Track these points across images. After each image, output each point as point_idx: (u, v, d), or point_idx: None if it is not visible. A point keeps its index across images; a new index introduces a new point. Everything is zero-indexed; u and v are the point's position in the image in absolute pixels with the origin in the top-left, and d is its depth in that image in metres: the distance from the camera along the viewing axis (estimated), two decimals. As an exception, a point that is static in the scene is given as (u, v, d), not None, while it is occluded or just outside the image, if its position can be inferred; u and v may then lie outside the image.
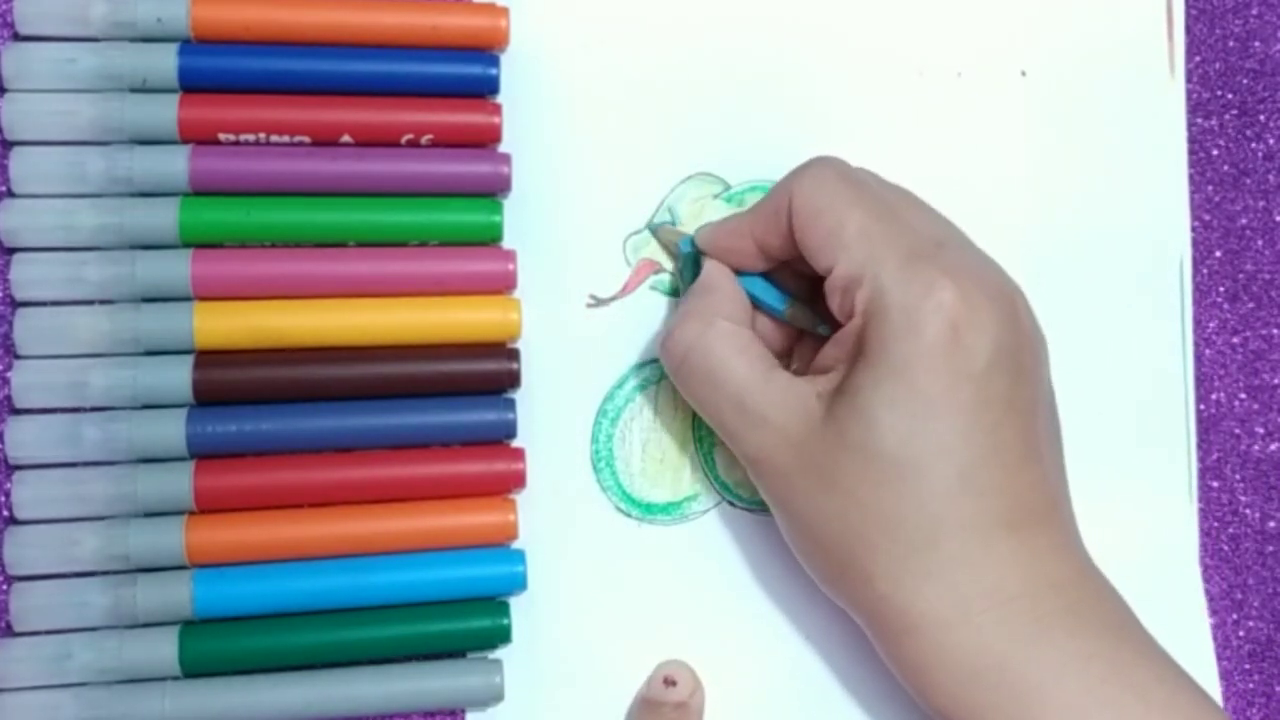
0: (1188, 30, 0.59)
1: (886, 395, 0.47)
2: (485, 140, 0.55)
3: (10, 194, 0.53)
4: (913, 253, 0.48)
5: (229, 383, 0.53)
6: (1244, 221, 0.58)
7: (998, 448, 0.47)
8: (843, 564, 0.48)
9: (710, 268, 0.53)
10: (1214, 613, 0.56)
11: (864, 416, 0.47)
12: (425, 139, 0.55)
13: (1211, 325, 0.57)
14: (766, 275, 0.53)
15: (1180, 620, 0.55)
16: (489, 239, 0.55)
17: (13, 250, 0.53)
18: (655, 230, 0.56)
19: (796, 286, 0.53)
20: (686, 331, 0.51)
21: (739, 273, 0.53)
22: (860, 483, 0.47)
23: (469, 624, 0.53)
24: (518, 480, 0.54)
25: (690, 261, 0.54)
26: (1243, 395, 0.57)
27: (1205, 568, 0.56)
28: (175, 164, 0.53)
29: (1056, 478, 0.50)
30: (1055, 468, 0.50)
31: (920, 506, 0.47)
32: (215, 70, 0.54)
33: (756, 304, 0.53)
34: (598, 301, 0.56)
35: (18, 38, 0.54)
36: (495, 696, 0.52)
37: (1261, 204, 0.59)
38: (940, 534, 0.47)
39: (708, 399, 0.51)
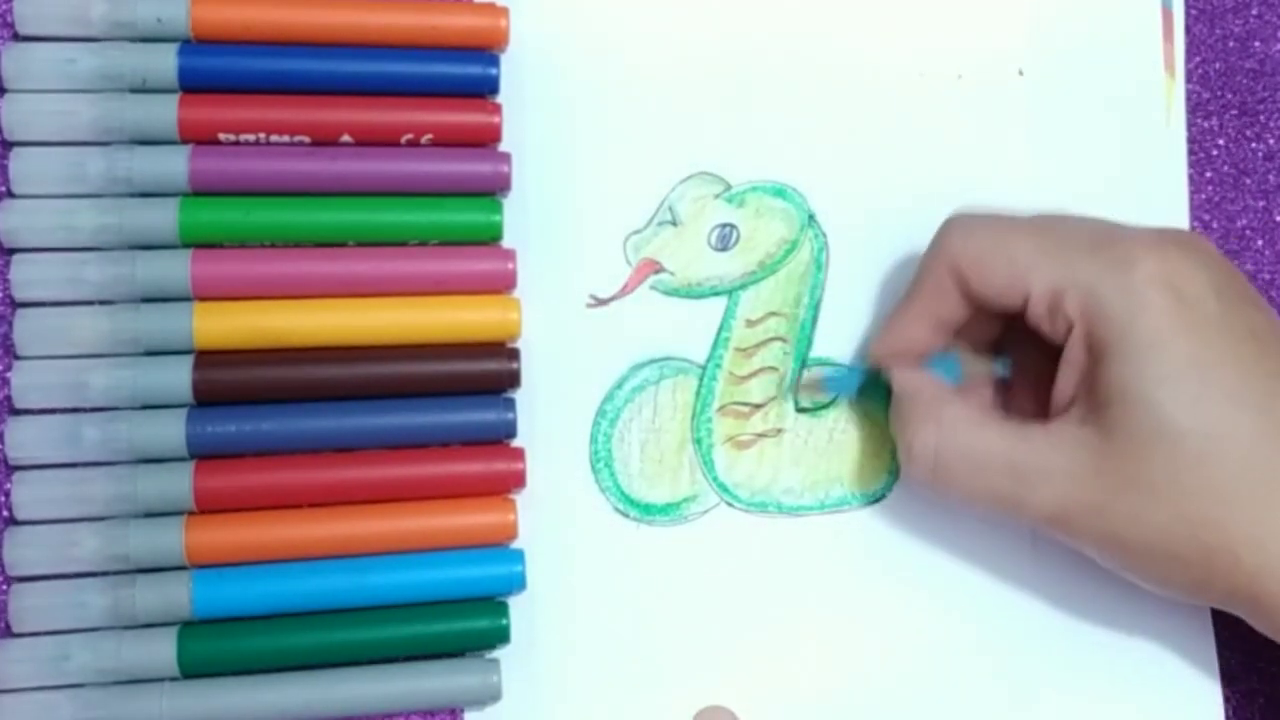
0: (1188, 30, 0.59)
1: (1153, 375, 0.47)
2: (485, 140, 0.55)
3: (10, 194, 0.53)
4: (1091, 244, 0.49)
5: (229, 383, 0.53)
6: (1244, 222, 0.58)
7: (1272, 375, 0.48)
8: (1204, 562, 0.48)
9: (900, 377, 0.53)
10: (1214, 612, 0.55)
11: (1144, 406, 0.47)
12: (425, 139, 0.55)
13: (1212, 326, 0.57)
14: None
15: (1185, 621, 0.55)
16: (489, 238, 0.55)
17: (13, 250, 0.53)
18: (798, 388, 0.56)
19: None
20: (925, 436, 0.51)
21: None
22: (1176, 471, 0.47)
23: (468, 624, 0.53)
24: (517, 480, 0.54)
25: (869, 385, 0.55)
26: (1243, 396, 0.57)
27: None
28: (175, 164, 0.53)
29: None
30: None
31: (1242, 460, 0.47)
32: (215, 70, 0.54)
33: None
34: (598, 301, 0.56)
35: (18, 38, 0.54)
36: (493, 696, 0.52)
37: (1261, 204, 0.59)
38: (1276, 478, 0.47)
39: (977, 484, 0.50)
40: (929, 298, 0.52)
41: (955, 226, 0.52)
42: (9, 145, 0.53)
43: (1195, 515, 0.47)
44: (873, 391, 0.55)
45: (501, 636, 0.53)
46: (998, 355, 0.54)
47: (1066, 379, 0.50)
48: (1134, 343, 0.47)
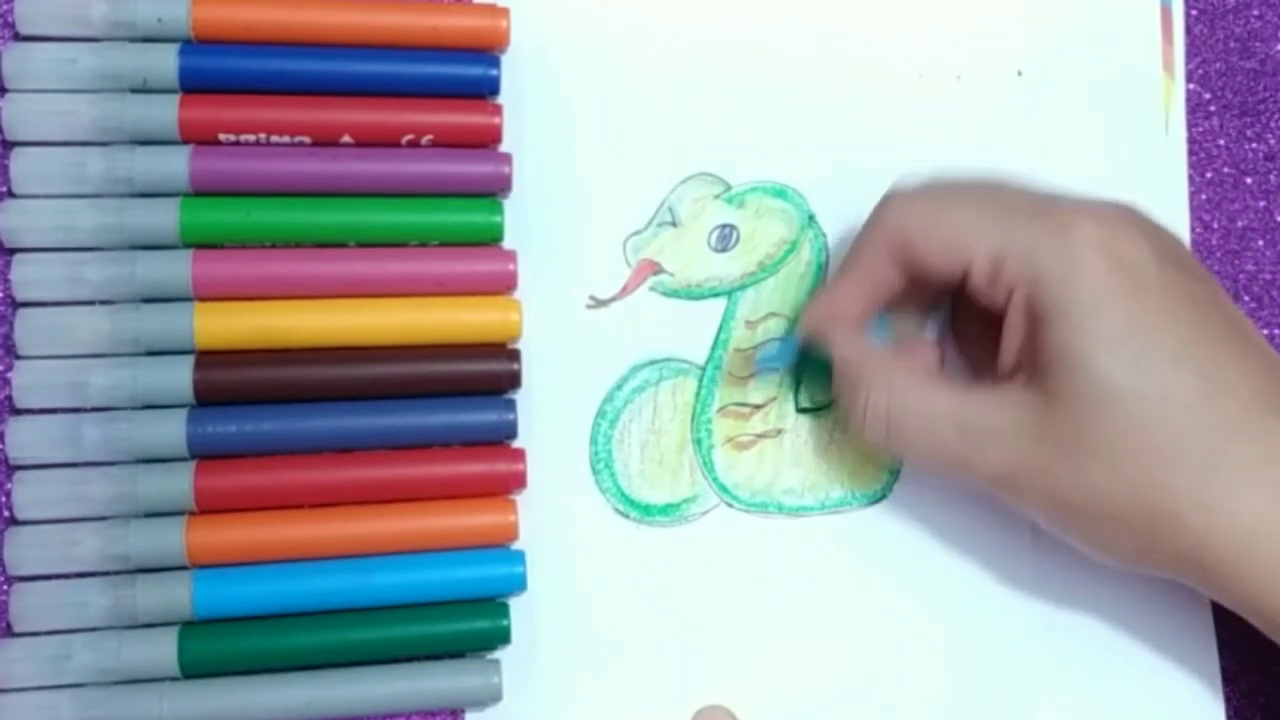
0: (1188, 31, 0.59)
1: (1091, 337, 0.47)
2: (486, 140, 0.55)
3: (10, 194, 0.53)
4: (1031, 211, 0.49)
5: (229, 383, 0.53)
6: (1244, 222, 0.58)
7: (1217, 340, 0.48)
8: (1148, 525, 0.47)
9: (842, 345, 0.53)
10: (1214, 611, 0.55)
11: (1084, 369, 0.47)
12: (426, 139, 0.55)
13: (1211, 326, 0.57)
14: None
15: (1185, 621, 0.55)
16: (489, 239, 0.55)
17: (13, 250, 0.53)
18: (727, 373, 0.56)
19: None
20: (876, 399, 0.51)
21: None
22: (1117, 432, 0.47)
23: (469, 625, 0.53)
24: (518, 481, 0.54)
25: (806, 359, 0.55)
26: (1243, 396, 0.57)
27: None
28: (175, 164, 0.53)
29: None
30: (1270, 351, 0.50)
31: (1183, 422, 0.47)
32: (215, 70, 0.54)
33: None
34: (598, 302, 0.56)
35: (18, 38, 0.54)
36: (494, 697, 0.52)
37: (1262, 204, 0.59)
38: (1219, 440, 0.47)
39: (930, 445, 0.50)
40: (866, 271, 0.52)
41: (894, 202, 0.52)
42: (9, 145, 0.53)
43: (1137, 477, 0.47)
44: (809, 365, 0.55)
45: (502, 637, 0.53)
46: (930, 319, 0.55)
47: (1009, 345, 0.50)
48: (1072, 305, 0.47)
